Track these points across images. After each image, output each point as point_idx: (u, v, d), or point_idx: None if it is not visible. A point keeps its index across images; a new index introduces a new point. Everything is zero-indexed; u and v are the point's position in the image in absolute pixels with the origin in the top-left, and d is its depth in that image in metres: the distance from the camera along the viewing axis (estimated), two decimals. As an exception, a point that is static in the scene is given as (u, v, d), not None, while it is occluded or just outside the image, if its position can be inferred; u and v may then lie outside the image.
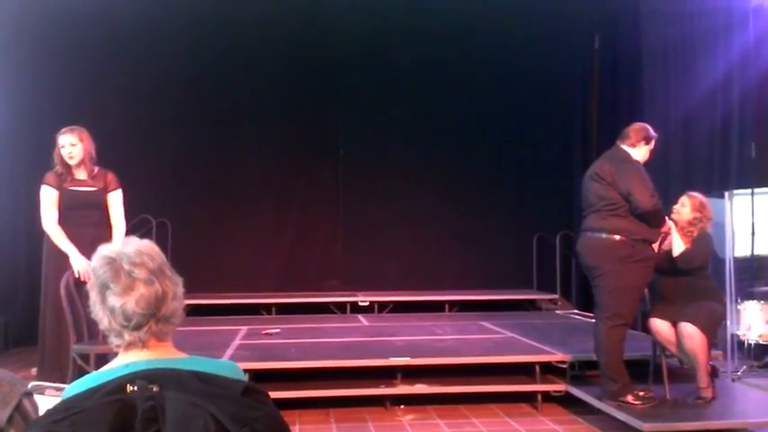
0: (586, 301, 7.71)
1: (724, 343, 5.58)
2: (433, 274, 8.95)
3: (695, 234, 4.59)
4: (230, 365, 1.55)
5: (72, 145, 4.86)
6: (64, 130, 4.90)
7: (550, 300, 8.51)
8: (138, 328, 1.48)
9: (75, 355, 4.33)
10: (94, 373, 1.50)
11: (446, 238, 9.08)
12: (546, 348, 5.37)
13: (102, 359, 3.87)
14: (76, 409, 1.33)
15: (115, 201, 4.98)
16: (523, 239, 9.13)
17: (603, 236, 4.36)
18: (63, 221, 4.83)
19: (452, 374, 5.11)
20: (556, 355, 5.15)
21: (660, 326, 4.55)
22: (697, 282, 4.58)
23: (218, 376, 1.44)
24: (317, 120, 9.04)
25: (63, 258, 4.74)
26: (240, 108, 8.84)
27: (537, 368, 5.05)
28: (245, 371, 2.28)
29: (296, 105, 8.91)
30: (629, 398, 4.28)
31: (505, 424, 4.60)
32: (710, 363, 4.54)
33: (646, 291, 4.60)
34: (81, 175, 4.92)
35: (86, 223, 4.84)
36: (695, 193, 4.74)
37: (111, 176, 5.00)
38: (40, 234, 4.96)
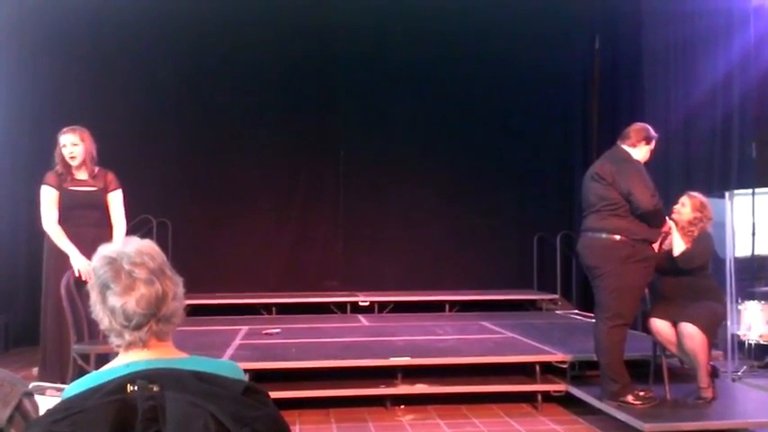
0: (587, 302, 7.71)
1: (724, 343, 5.57)
2: (434, 274, 8.94)
3: (696, 234, 4.59)
4: (230, 365, 1.55)
5: (74, 145, 4.86)
6: (65, 129, 4.90)
7: (551, 300, 8.50)
8: (138, 327, 1.48)
9: (75, 354, 4.33)
10: (95, 372, 1.50)
11: (446, 239, 9.07)
12: (546, 348, 5.37)
13: (103, 359, 3.86)
14: (77, 408, 1.33)
15: (115, 201, 4.98)
16: (524, 239, 9.12)
17: (604, 236, 4.36)
18: (63, 221, 4.83)
19: (453, 374, 5.11)
20: (556, 356, 5.15)
21: (660, 326, 4.55)
22: (697, 282, 4.58)
23: (219, 376, 1.44)
24: (317, 120, 9.04)
25: (63, 258, 4.74)
26: (241, 108, 8.82)
27: (537, 368, 5.05)
28: (246, 371, 2.28)
29: (297, 106, 8.90)
30: (630, 398, 4.28)
31: (506, 424, 4.59)
32: (711, 363, 4.54)
33: (646, 291, 4.60)
34: (81, 175, 4.92)
35: (86, 223, 4.83)
36: (696, 193, 4.74)
37: (111, 176, 5.00)
38: (41, 234, 4.96)
